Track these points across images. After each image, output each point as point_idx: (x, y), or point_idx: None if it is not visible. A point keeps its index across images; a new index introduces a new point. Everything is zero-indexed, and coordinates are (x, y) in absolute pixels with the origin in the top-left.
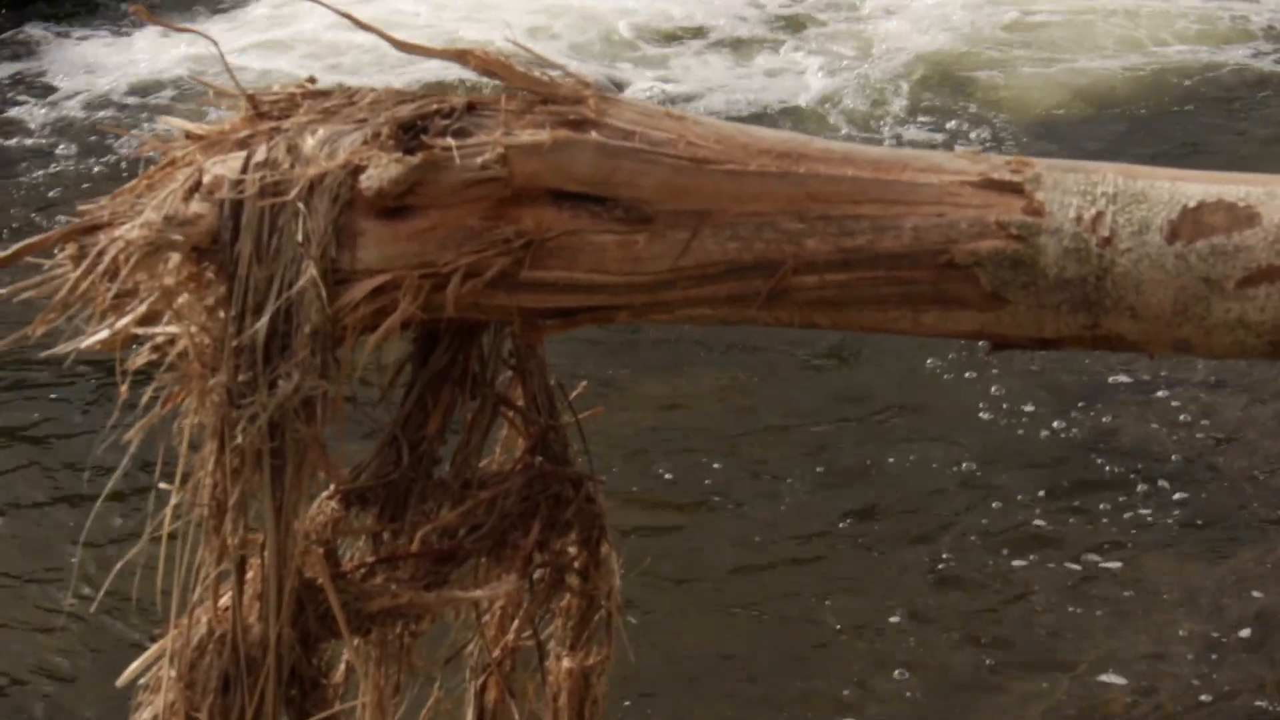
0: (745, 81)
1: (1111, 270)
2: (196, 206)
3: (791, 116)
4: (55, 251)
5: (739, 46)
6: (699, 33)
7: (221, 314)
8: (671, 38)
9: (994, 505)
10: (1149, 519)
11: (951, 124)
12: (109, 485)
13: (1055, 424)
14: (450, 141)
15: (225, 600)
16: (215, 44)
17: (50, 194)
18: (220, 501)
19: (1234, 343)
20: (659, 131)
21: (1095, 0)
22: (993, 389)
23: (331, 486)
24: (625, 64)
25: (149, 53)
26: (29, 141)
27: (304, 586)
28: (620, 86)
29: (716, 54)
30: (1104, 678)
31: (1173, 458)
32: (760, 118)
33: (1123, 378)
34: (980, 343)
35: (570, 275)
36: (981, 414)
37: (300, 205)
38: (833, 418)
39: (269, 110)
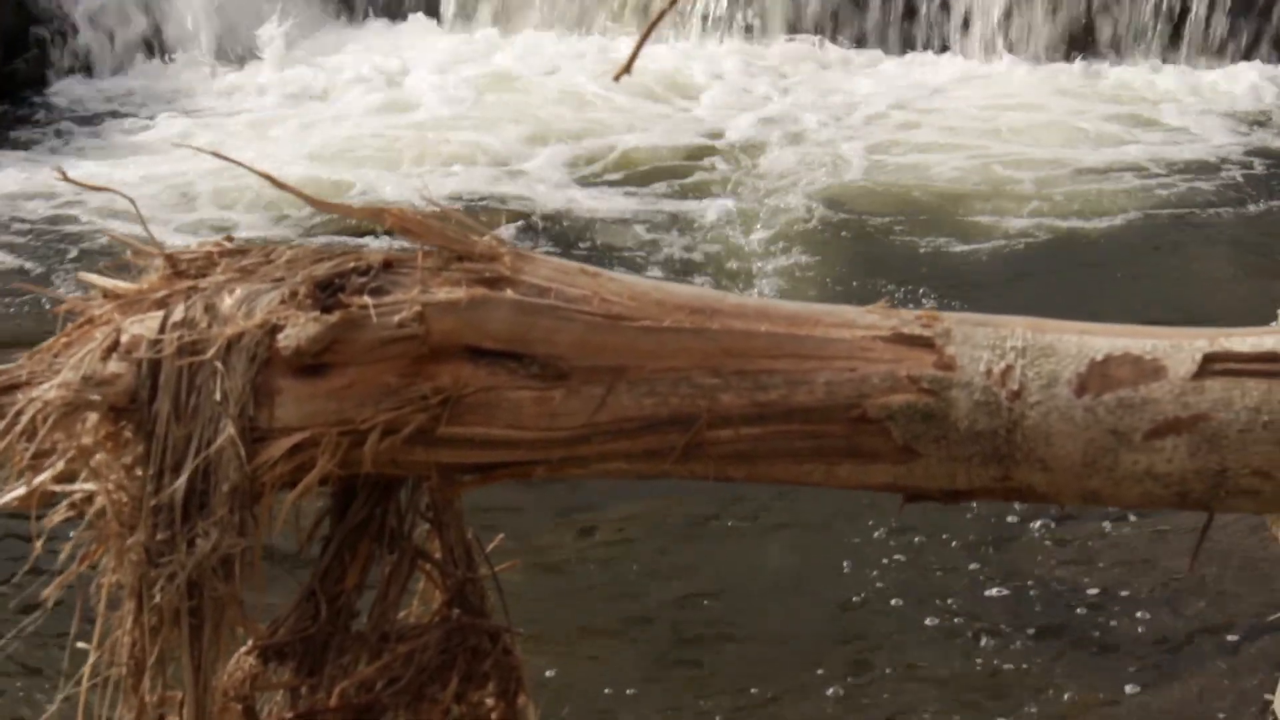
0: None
1: (1021, 423)
2: (114, 366)
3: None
4: None
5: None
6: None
7: (140, 472)
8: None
9: (895, 650)
10: (1063, 651)
11: (852, 272)
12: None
13: (965, 564)
14: (367, 300)
15: None
16: (133, 202)
17: None
18: (139, 660)
19: (1142, 494)
20: (574, 288)
21: (998, 149)
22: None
23: (250, 642)
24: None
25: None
26: None
27: None
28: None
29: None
30: None
31: (1087, 590)
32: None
33: (1030, 513)
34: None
35: (487, 431)
36: (886, 556)
37: (218, 364)
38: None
39: (186, 269)
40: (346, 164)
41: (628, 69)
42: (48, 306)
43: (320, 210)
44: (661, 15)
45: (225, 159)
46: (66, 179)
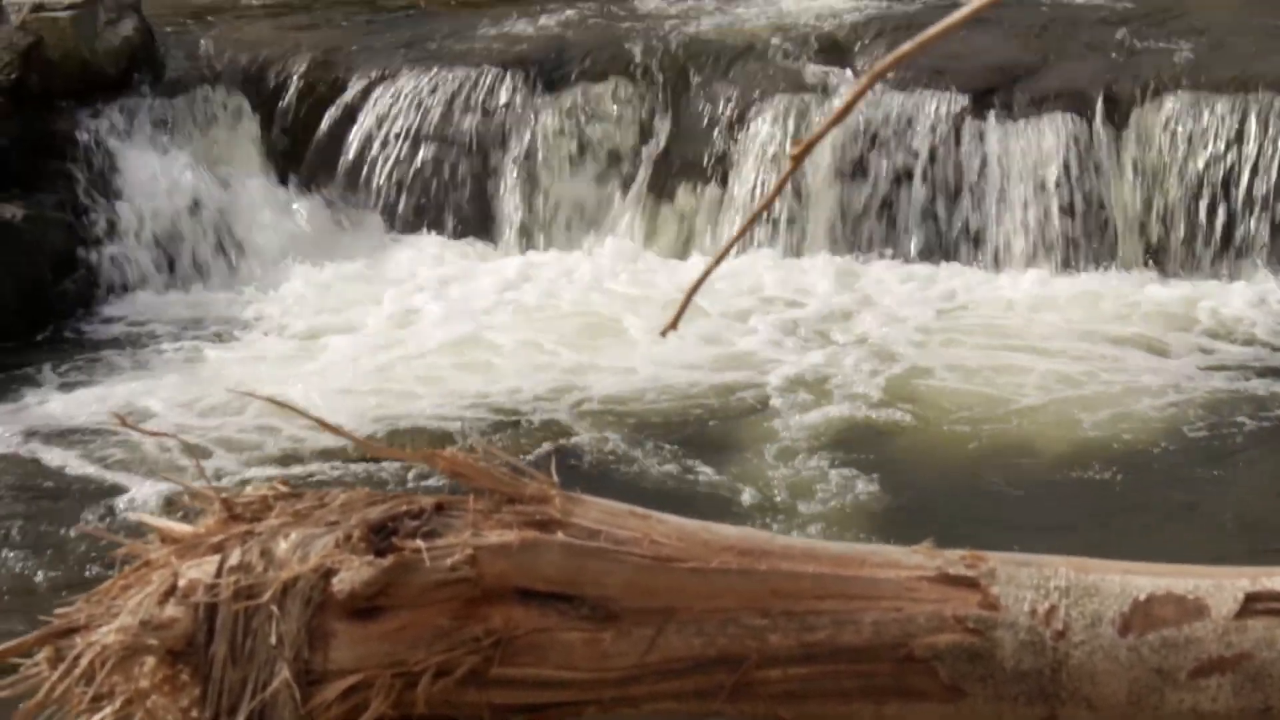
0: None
1: (1066, 663)
2: (172, 610)
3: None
4: (32, 653)
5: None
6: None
7: (196, 715)
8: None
9: None
10: None
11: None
12: None
13: None
14: (420, 544)
15: None
16: (191, 451)
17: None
18: None
19: None
20: (623, 530)
21: (1043, 368)
22: None
23: None
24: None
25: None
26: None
27: None
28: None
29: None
30: None
31: None
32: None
33: None
34: None
35: (539, 672)
36: None
37: (274, 608)
38: None
39: (242, 513)
40: (392, 394)
41: (674, 324)
42: (104, 549)
43: (373, 455)
44: (711, 269)
45: (281, 404)
46: (125, 424)
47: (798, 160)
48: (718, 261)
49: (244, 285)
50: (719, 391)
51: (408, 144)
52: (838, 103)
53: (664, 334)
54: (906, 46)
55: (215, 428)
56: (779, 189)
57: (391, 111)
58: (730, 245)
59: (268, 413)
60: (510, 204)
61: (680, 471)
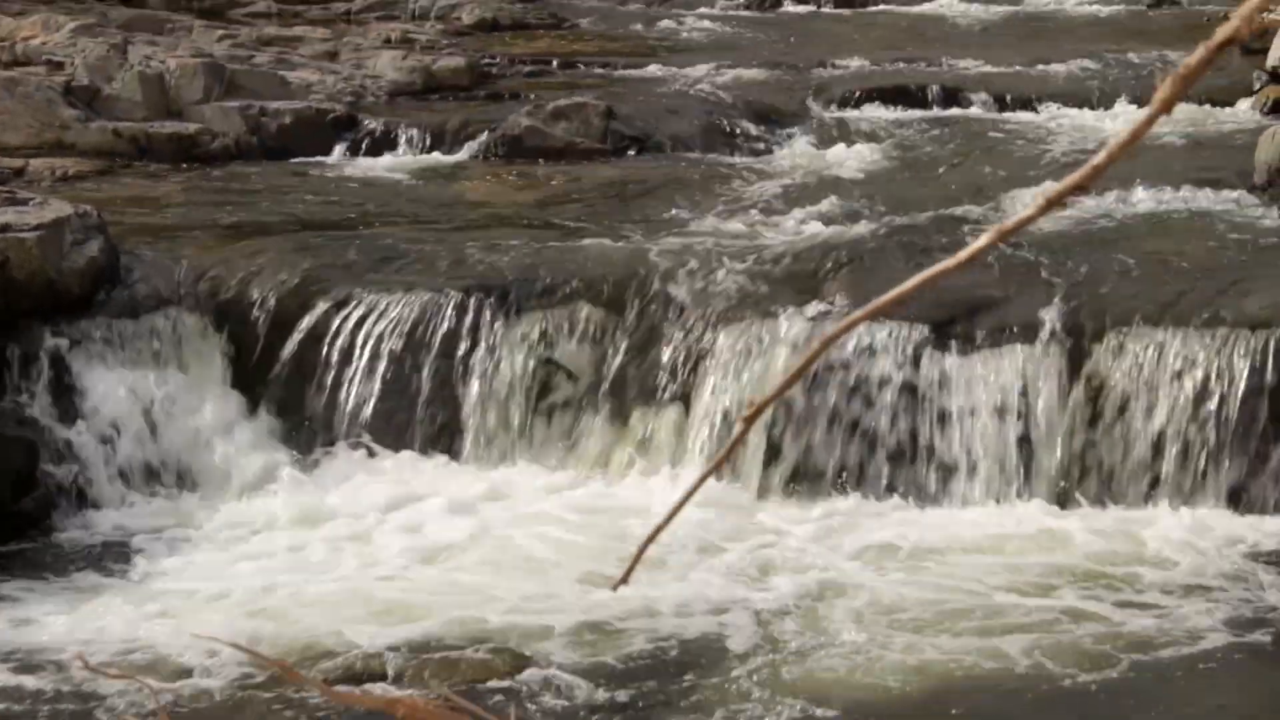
0: None
1: None
2: None
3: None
4: None
5: None
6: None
7: None
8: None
9: None
10: None
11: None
12: None
13: None
14: None
15: None
16: (155, 695)
17: None
18: None
19: None
20: None
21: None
22: None
23: None
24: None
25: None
26: None
27: None
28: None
29: None
30: None
31: None
32: None
33: None
34: None
35: None
36: None
37: None
38: None
39: None
40: (348, 621)
41: (625, 579)
42: None
43: (333, 700)
44: (662, 527)
45: (236, 647)
46: (89, 667)
47: (749, 422)
48: (669, 519)
49: (203, 506)
50: (679, 632)
51: (372, 366)
52: (798, 334)
53: (615, 589)
54: (858, 314)
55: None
56: (730, 450)
57: (356, 334)
58: (681, 504)
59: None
60: (473, 427)
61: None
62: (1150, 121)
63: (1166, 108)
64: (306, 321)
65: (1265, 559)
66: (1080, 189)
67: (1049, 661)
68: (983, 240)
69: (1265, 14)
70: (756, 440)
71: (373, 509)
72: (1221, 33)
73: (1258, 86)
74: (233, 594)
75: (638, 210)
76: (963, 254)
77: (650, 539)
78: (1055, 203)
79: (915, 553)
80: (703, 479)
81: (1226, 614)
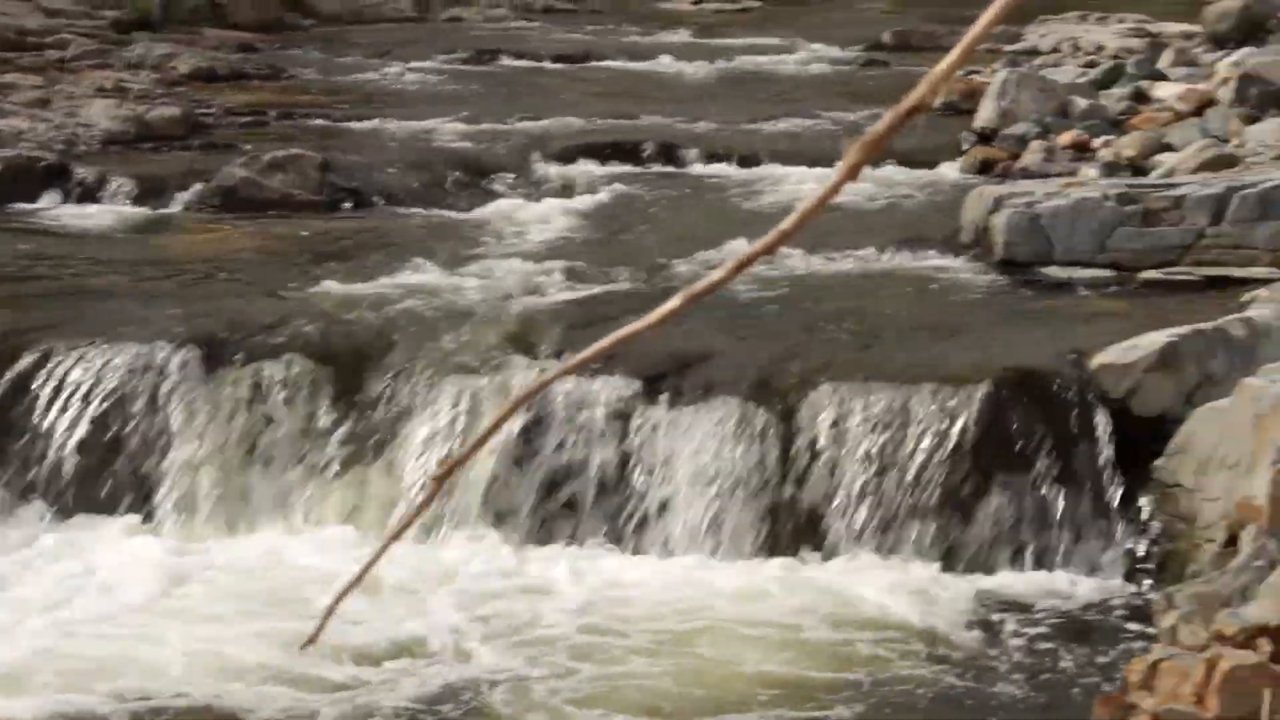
0: None
1: None
2: None
3: None
4: None
5: None
6: None
7: None
8: None
9: None
10: None
11: None
12: None
13: None
14: None
15: None
16: None
17: None
18: None
19: None
20: None
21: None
22: None
23: None
24: None
25: None
26: None
27: None
28: None
29: None
30: None
31: None
32: None
33: None
34: None
35: None
36: None
37: None
38: None
39: None
40: (42, 685)
41: (314, 639)
42: None
43: None
44: (350, 587)
45: None
46: None
47: (439, 482)
48: (359, 578)
49: None
50: (367, 681)
51: (72, 423)
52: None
53: (303, 648)
54: (548, 375)
55: None
56: (420, 510)
57: (59, 389)
58: (371, 563)
59: None
60: (174, 486)
61: None
62: (836, 187)
63: (853, 173)
64: (7, 375)
65: (967, 613)
66: (769, 252)
67: (745, 714)
68: (673, 302)
69: (970, 76)
70: (470, 491)
71: (66, 571)
72: (908, 100)
73: (966, 147)
74: None
75: (352, 263)
76: (653, 315)
77: (340, 597)
78: (745, 265)
79: (619, 601)
80: (391, 539)
81: (929, 667)
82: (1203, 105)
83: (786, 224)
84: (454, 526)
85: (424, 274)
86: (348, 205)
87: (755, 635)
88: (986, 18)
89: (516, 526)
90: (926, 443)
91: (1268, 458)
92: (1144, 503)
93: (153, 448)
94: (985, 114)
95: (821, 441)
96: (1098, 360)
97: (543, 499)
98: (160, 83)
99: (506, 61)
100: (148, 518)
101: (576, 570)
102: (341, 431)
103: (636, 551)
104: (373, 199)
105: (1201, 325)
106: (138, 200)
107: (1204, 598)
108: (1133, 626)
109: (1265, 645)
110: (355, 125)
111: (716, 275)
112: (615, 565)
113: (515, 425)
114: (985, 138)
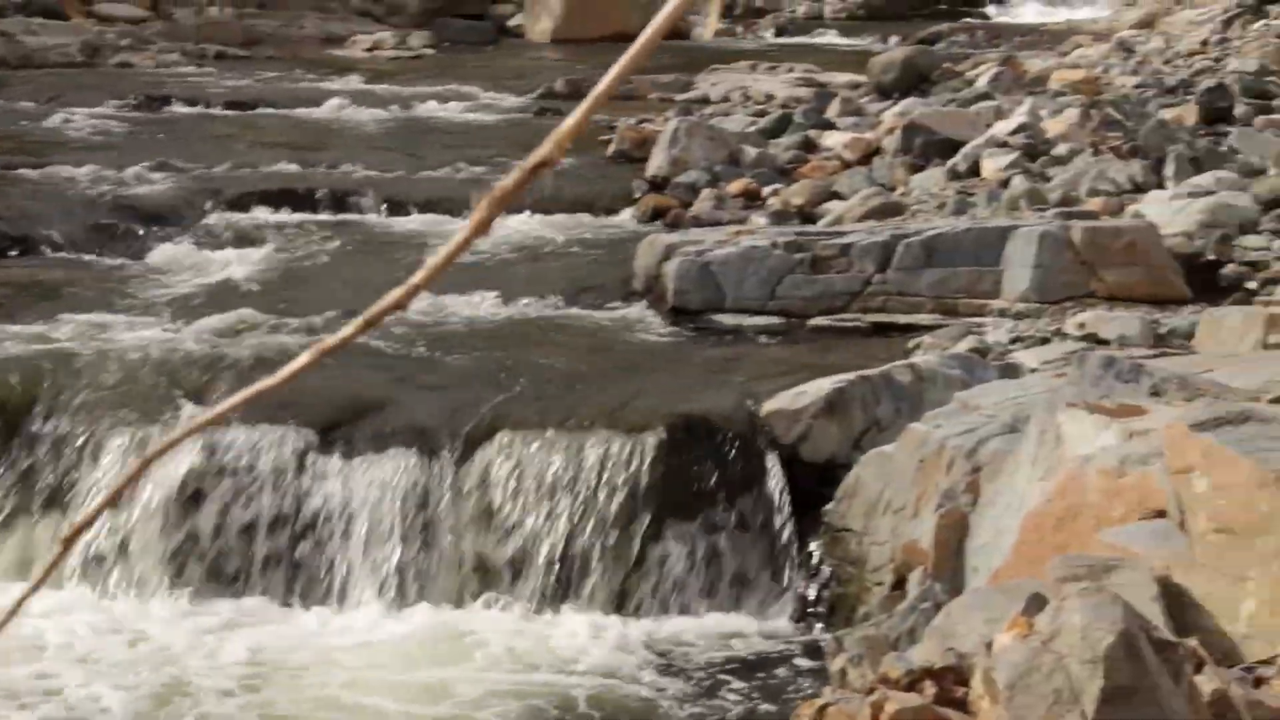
0: None
1: None
2: None
3: None
4: None
5: None
6: None
7: None
8: None
9: None
10: None
11: None
12: None
13: None
14: None
15: None
16: None
17: None
18: None
19: None
20: None
21: None
22: None
23: None
24: None
25: None
26: None
27: None
28: None
29: None
30: None
31: None
32: None
33: None
34: None
35: None
36: None
37: None
38: None
39: None
40: None
41: None
42: None
43: None
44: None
45: None
46: None
47: (68, 543)
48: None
49: None
50: None
51: None
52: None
53: None
54: (177, 434)
55: None
56: (50, 570)
57: None
58: (4, 623)
59: None
60: None
61: None
62: (466, 243)
63: (483, 228)
64: None
65: (639, 659)
66: (401, 307)
67: None
68: (303, 359)
69: (641, 125)
70: (145, 543)
71: None
72: (534, 156)
73: (638, 195)
74: None
75: (16, 314)
76: (284, 372)
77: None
78: (375, 321)
79: (294, 651)
80: (24, 598)
81: (600, 712)
82: (869, 154)
83: (418, 277)
84: (126, 583)
85: (90, 322)
86: (14, 253)
87: (422, 684)
88: (610, 76)
89: (190, 580)
90: (601, 490)
91: (932, 502)
92: (815, 547)
93: None
94: (657, 162)
95: (496, 490)
96: (768, 406)
97: (213, 552)
98: None
99: (178, 108)
100: None
101: (244, 624)
102: (6, 484)
103: (317, 603)
104: (40, 247)
105: (868, 372)
106: None
107: (872, 640)
108: (806, 670)
109: (929, 688)
110: (23, 173)
111: (346, 331)
112: (284, 617)
113: (179, 475)
114: (657, 186)
